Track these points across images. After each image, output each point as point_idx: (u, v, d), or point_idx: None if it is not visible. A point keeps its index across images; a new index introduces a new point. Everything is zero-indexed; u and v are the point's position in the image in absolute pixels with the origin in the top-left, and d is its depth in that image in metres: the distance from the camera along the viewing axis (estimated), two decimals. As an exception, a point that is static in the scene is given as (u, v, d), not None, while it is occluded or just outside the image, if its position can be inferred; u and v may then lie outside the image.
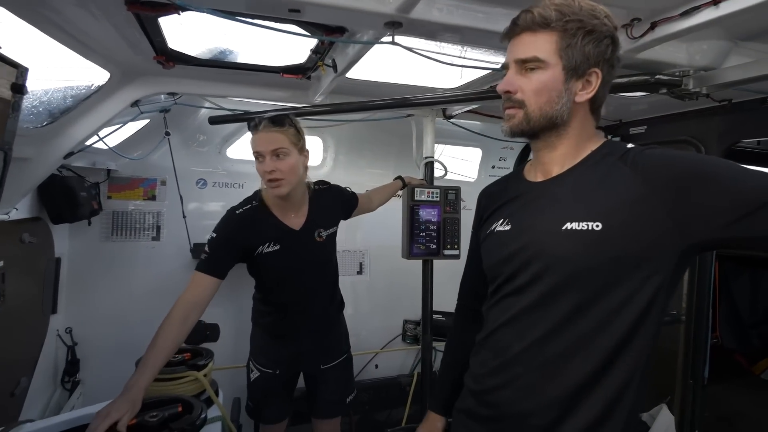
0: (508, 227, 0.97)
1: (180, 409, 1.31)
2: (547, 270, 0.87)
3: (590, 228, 0.83)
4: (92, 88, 1.69)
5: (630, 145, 0.91)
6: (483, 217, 1.10)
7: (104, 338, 2.44)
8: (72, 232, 2.40)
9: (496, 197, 1.07)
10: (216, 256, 1.54)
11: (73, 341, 2.37)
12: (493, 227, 1.01)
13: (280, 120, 1.58)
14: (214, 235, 1.56)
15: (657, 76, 1.42)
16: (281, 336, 1.76)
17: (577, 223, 0.84)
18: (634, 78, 1.44)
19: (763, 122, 1.94)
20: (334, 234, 1.83)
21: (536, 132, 0.92)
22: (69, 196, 2.01)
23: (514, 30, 0.91)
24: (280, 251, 1.62)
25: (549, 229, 0.88)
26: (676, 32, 1.18)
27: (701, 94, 1.49)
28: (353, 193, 2.00)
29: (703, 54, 1.40)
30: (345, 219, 1.94)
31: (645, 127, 2.46)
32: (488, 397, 0.95)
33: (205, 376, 1.54)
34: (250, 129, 1.60)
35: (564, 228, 0.85)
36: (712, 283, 2.30)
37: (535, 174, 1.00)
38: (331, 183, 1.91)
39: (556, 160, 0.94)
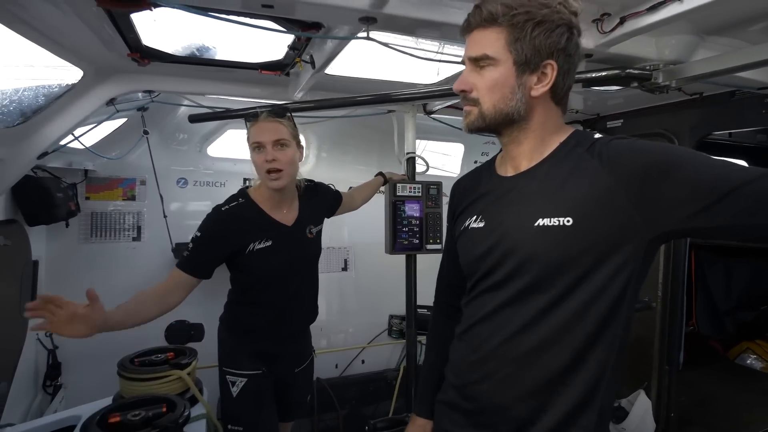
0: (481, 224, 0.97)
1: (164, 409, 1.31)
2: (521, 266, 0.87)
3: (561, 223, 0.83)
4: (65, 86, 1.66)
5: (597, 135, 0.90)
6: (456, 213, 1.09)
7: (85, 341, 2.31)
8: (49, 234, 2.35)
9: (469, 192, 1.06)
10: (200, 255, 1.49)
11: (54, 345, 2.33)
12: (467, 224, 1.01)
13: (281, 111, 1.58)
14: (199, 234, 1.50)
15: (628, 70, 1.46)
16: (264, 340, 1.67)
17: (548, 219, 0.85)
18: (606, 72, 1.47)
19: (733, 115, 2.01)
20: (321, 232, 1.82)
21: (494, 128, 0.92)
22: (44, 197, 1.97)
23: (467, 28, 0.90)
24: (273, 247, 1.57)
25: (522, 226, 0.88)
26: (644, 26, 1.21)
27: (671, 87, 1.53)
28: (337, 191, 2.00)
29: (672, 48, 1.44)
30: (329, 217, 1.93)
31: (621, 120, 2.51)
32: (468, 391, 0.96)
33: (189, 374, 1.54)
34: (247, 120, 1.58)
35: (536, 224, 0.85)
36: (689, 273, 2.37)
37: (505, 168, 0.99)
38: (316, 181, 1.91)
39: (524, 154, 0.94)
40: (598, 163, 0.84)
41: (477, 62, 0.88)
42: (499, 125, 0.91)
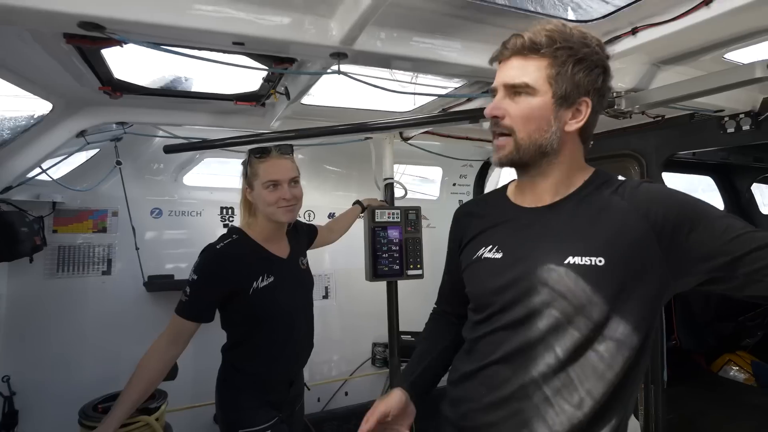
0: (499, 255, 0.93)
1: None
2: (549, 304, 0.84)
3: (594, 263, 0.82)
4: (33, 119, 1.62)
5: (621, 177, 0.92)
6: (464, 240, 1.05)
7: (48, 385, 2.26)
8: (12, 270, 2.24)
9: (479, 219, 1.02)
10: (201, 299, 1.43)
11: (11, 391, 2.18)
12: (480, 253, 0.96)
13: (290, 149, 1.60)
14: (196, 276, 1.42)
15: (593, 98, 1.51)
16: (274, 385, 1.59)
17: (579, 258, 0.83)
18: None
19: (693, 136, 2.11)
20: (308, 264, 1.79)
21: (526, 161, 0.90)
22: (7, 233, 1.89)
23: (504, 53, 0.89)
24: (275, 282, 1.52)
25: (550, 263, 0.85)
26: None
27: (634, 112, 1.60)
28: (311, 224, 2.01)
29: (632, 77, 1.51)
30: (307, 250, 1.91)
31: (591, 142, 2.59)
32: None
33: (157, 420, 1.46)
34: (255, 156, 1.54)
35: (566, 262, 0.84)
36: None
37: (524, 198, 0.97)
38: None
39: (549, 187, 0.92)
40: (628, 206, 0.85)
41: (513, 89, 0.87)
42: (531, 158, 0.89)
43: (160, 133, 2.39)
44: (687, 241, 0.79)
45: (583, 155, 0.94)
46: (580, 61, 0.85)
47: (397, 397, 1.02)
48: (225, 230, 1.60)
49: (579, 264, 0.83)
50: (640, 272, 0.82)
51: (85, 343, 2.38)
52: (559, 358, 0.83)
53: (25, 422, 2.21)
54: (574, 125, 0.88)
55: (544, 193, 0.93)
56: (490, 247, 0.95)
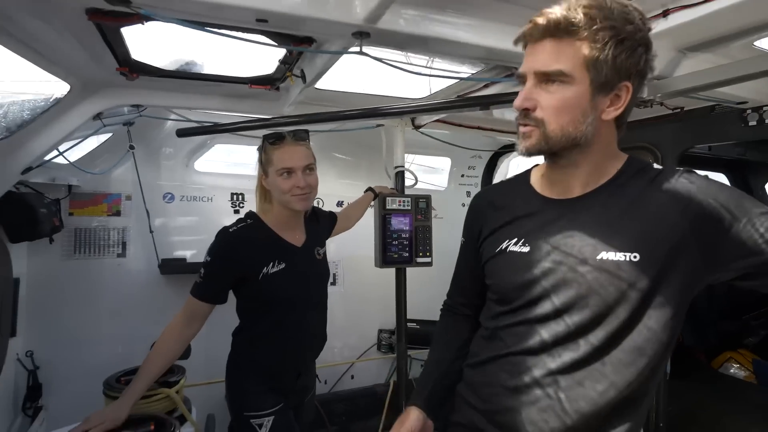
0: (525, 248, 0.89)
1: (152, 427, 1.28)
2: (580, 300, 0.82)
3: (628, 259, 0.79)
4: (51, 100, 1.64)
5: (657, 166, 0.86)
6: (484, 231, 1.00)
7: (68, 361, 2.33)
8: (31, 250, 2.29)
9: (502, 209, 0.98)
10: (214, 280, 1.45)
11: (35, 365, 2.25)
12: (505, 246, 0.93)
13: (305, 134, 1.56)
14: (209, 258, 1.44)
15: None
16: (282, 373, 1.58)
17: (613, 253, 0.80)
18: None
19: (713, 129, 2.06)
20: (326, 254, 1.77)
21: (556, 151, 0.84)
22: (28, 213, 1.92)
23: (534, 33, 0.79)
24: (286, 270, 1.50)
25: (582, 258, 0.82)
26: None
27: (655, 101, 1.57)
28: (332, 212, 2.00)
29: (658, 63, 1.47)
30: (327, 238, 1.90)
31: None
32: (501, 418, 0.90)
33: (177, 393, 1.50)
34: (270, 142, 1.51)
35: (599, 257, 0.80)
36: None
37: (550, 189, 0.92)
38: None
39: (579, 178, 0.87)
40: (666, 198, 0.80)
41: (546, 77, 0.79)
42: (562, 149, 0.83)
43: (172, 117, 2.41)
44: (726, 238, 0.76)
45: (617, 141, 0.88)
46: (622, 42, 0.76)
47: (414, 417, 1.02)
48: (235, 216, 1.60)
49: (613, 260, 0.79)
50: (675, 267, 0.78)
51: (102, 322, 2.43)
52: (586, 352, 0.81)
53: (48, 395, 2.28)
54: (612, 113, 0.81)
55: (573, 184, 0.88)
56: (516, 239, 0.91)
